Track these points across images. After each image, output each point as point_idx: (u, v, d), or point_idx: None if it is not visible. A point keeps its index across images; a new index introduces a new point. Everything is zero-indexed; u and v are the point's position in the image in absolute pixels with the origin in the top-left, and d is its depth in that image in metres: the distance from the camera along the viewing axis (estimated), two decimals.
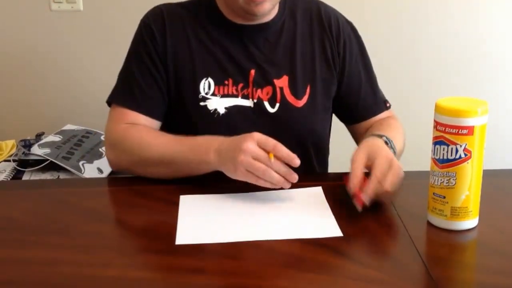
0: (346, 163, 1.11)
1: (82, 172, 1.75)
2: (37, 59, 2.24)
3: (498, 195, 1.16)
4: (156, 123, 1.29)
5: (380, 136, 1.13)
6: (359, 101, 1.37)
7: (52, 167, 1.76)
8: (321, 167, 1.40)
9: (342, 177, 1.10)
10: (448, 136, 0.95)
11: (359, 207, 1.03)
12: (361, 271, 0.89)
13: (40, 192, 1.21)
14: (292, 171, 1.06)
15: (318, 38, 1.34)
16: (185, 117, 1.29)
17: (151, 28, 1.29)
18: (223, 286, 0.87)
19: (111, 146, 1.27)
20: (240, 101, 1.28)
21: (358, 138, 1.38)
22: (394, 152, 1.15)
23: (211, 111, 1.27)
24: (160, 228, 1.01)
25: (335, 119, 1.44)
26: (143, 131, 1.23)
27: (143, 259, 0.96)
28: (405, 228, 1.00)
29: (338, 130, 1.46)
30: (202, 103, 1.27)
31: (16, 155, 1.85)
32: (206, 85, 1.27)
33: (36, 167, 1.76)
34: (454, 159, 0.96)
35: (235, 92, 1.28)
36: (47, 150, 1.81)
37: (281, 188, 1.08)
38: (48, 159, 1.76)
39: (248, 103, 1.28)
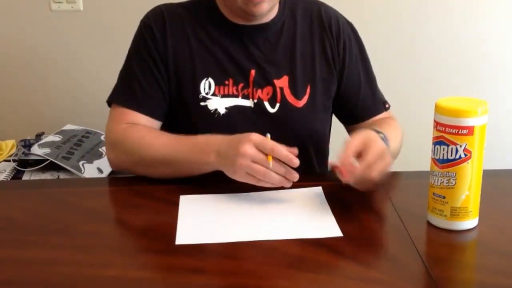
0: None
1: (82, 172, 1.75)
2: (37, 59, 2.24)
3: (498, 195, 1.16)
4: (157, 123, 1.29)
5: (378, 132, 1.13)
6: (358, 102, 1.37)
7: (52, 167, 1.76)
8: (321, 167, 1.40)
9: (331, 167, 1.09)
10: (448, 136, 0.95)
11: (343, 178, 1.03)
12: (361, 271, 0.89)
13: (40, 192, 1.21)
14: (292, 170, 1.06)
15: (318, 38, 1.34)
16: (185, 117, 1.29)
17: (151, 28, 1.29)
18: (223, 286, 0.87)
19: (111, 146, 1.27)
20: (240, 101, 1.28)
21: None
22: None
23: (212, 111, 1.27)
24: (160, 228, 1.01)
25: (335, 119, 1.44)
26: (144, 131, 1.23)
27: (143, 259, 0.96)
28: (405, 228, 1.00)
29: (338, 130, 1.46)
30: (202, 103, 1.27)
31: (16, 155, 1.85)
32: (206, 85, 1.27)
33: (36, 167, 1.76)
34: (454, 159, 0.96)
35: (235, 92, 1.28)
36: (47, 150, 1.81)
37: (282, 188, 1.08)
38: (48, 159, 1.76)
39: (249, 103, 1.28)
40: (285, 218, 1.04)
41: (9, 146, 1.94)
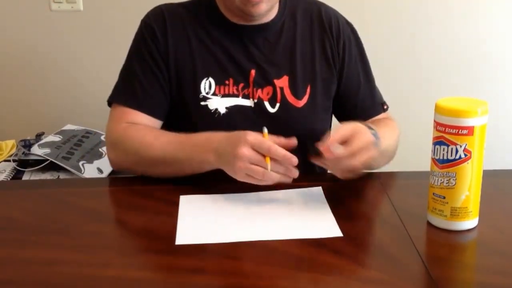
0: None
1: (82, 172, 1.75)
2: (37, 59, 2.24)
3: (498, 195, 1.16)
4: (158, 122, 1.29)
5: (370, 128, 1.12)
6: (357, 103, 1.37)
7: (52, 167, 1.76)
8: (321, 167, 1.40)
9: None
10: (448, 136, 0.95)
11: (322, 161, 1.04)
12: (361, 271, 0.89)
13: (40, 192, 1.21)
14: (291, 168, 1.06)
15: (318, 38, 1.34)
16: (185, 117, 1.29)
17: (152, 28, 1.29)
18: (223, 286, 0.87)
19: (112, 145, 1.27)
20: (240, 101, 1.28)
21: None
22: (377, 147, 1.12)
23: (212, 111, 1.27)
24: (160, 228, 1.01)
25: (334, 120, 1.44)
26: (144, 131, 1.23)
27: (143, 259, 0.96)
28: (405, 228, 1.00)
29: None
30: (202, 103, 1.27)
31: (16, 155, 1.85)
32: (206, 85, 1.27)
33: (36, 167, 1.76)
34: (454, 159, 0.96)
35: (235, 92, 1.28)
36: (47, 150, 1.81)
37: (282, 188, 1.07)
38: (48, 159, 1.76)
39: (249, 103, 1.28)
40: (285, 218, 1.04)
41: (9, 146, 1.94)
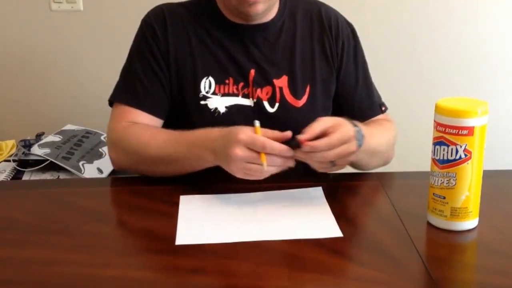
0: None
1: (82, 172, 1.75)
2: (37, 59, 2.24)
3: (498, 195, 1.16)
4: (159, 121, 1.29)
5: (355, 125, 1.11)
6: (354, 103, 1.37)
7: (52, 167, 1.76)
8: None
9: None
10: (448, 137, 0.95)
11: (297, 152, 1.03)
12: (361, 271, 0.89)
13: (40, 192, 1.21)
14: (288, 159, 1.05)
15: (318, 38, 1.34)
16: (185, 116, 1.29)
17: (153, 27, 1.29)
18: (223, 286, 0.87)
19: (112, 145, 1.27)
20: (240, 100, 1.28)
21: None
22: (359, 146, 1.10)
23: (212, 110, 1.27)
24: (160, 228, 1.01)
25: None
26: (141, 130, 1.23)
27: (143, 259, 0.96)
28: (405, 228, 1.00)
29: None
30: (202, 102, 1.27)
31: (16, 155, 1.85)
32: (206, 84, 1.28)
33: (36, 167, 1.76)
34: (454, 160, 0.96)
35: (235, 91, 1.28)
36: (47, 150, 1.81)
37: (282, 188, 1.07)
38: (48, 159, 1.76)
39: (248, 102, 1.28)
40: (285, 218, 1.04)
41: (9, 146, 1.94)
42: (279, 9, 1.33)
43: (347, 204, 1.10)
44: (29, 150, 1.82)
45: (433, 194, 1.00)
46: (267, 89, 1.29)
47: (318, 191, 1.14)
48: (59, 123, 2.08)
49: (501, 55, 2.34)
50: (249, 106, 1.28)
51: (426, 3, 2.28)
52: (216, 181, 1.14)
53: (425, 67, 2.33)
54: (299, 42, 1.33)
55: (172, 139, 1.18)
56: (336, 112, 1.41)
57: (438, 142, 0.97)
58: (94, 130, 2.01)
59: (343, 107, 1.38)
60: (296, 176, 1.15)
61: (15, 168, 1.78)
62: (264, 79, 1.29)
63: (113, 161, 1.27)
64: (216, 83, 1.28)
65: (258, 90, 1.29)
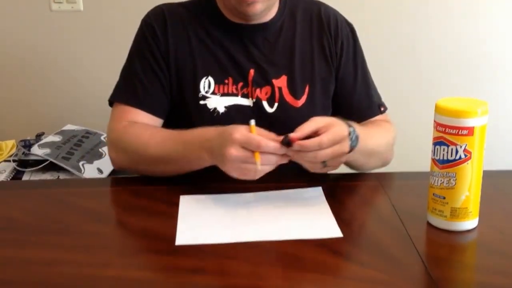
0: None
1: (82, 172, 1.75)
2: (37, 59, 2.24)
3: (498, 195, 1.15)
4: (159, 121, 1.29)
5: (349, 126, 1.10)
6: (353, 103, 1.37)
7: (52, 167, 1.76)
8: None
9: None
10: (448, 137, 0.95)
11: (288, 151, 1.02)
12: (361, 271, 0.89)
13: (40, 192, 1.21)
14: (283, 157, 1.04)
15: (317, 38, 1.34)
16: (185, 116, 1.29)
17: (153, 27, 1.29)
18: (223, 286, 0.87)
19: (112, 145, 1.27)
20: (239, 100, 1.28)
21: None
22: (353, 147, 1.09)
23: (211, 110, 1.27)
24: (160, 228, 1.01)
25: None
26: (141, 129, 1.23)
27: (143, 259, 0.96)
28: (405, 228, 1.00)
29: None
30: (202, 102, 1.27)
31: (16, 155, 1.85)
32: (206, 84, 1.28)
33: (36, 167, 1.76)
34: (454, 160, 0.96)
35: (235, 91, 1.28)
36: (47, 150, 1.81)
37: (282, 188, 1.07)
38: (48, 160, 1.76)
39: (248, 102, 1.28)
40: (285, 219, 1.04)
41: (9, 146, 1.94)
42: (279, 9, 1.33)
43: (347, 204, 1.10)
44: (29, 150, 1.82)
45: (433, 194, 1.00)
46: (266, 89, 1.29)
47: (318, 191, 1.14)
48: (59, 123, 2.08)
49: (501, 55, 2.34)
50: (248, 106, 1.28)
51: (425, 3, 2.28)
52: (216, 181, 1.14)
53: (425, 67, 2.33)
54: (298, 41, 1.33)
55: (170, 139, 1.18)
56: (334, 112, 1.41)
57: (438, 142, 0.97)
58: (94, 130, 2.02)
59: (341, 106, 1.38)
60: (296, 176, 1.15)
61: (15, 168, 1.78)
62: (264, 79, 1.29)
63: (113, 161, 1.27)
64: (215, 83, 1.28)
65: (258, 90, 1.29)
